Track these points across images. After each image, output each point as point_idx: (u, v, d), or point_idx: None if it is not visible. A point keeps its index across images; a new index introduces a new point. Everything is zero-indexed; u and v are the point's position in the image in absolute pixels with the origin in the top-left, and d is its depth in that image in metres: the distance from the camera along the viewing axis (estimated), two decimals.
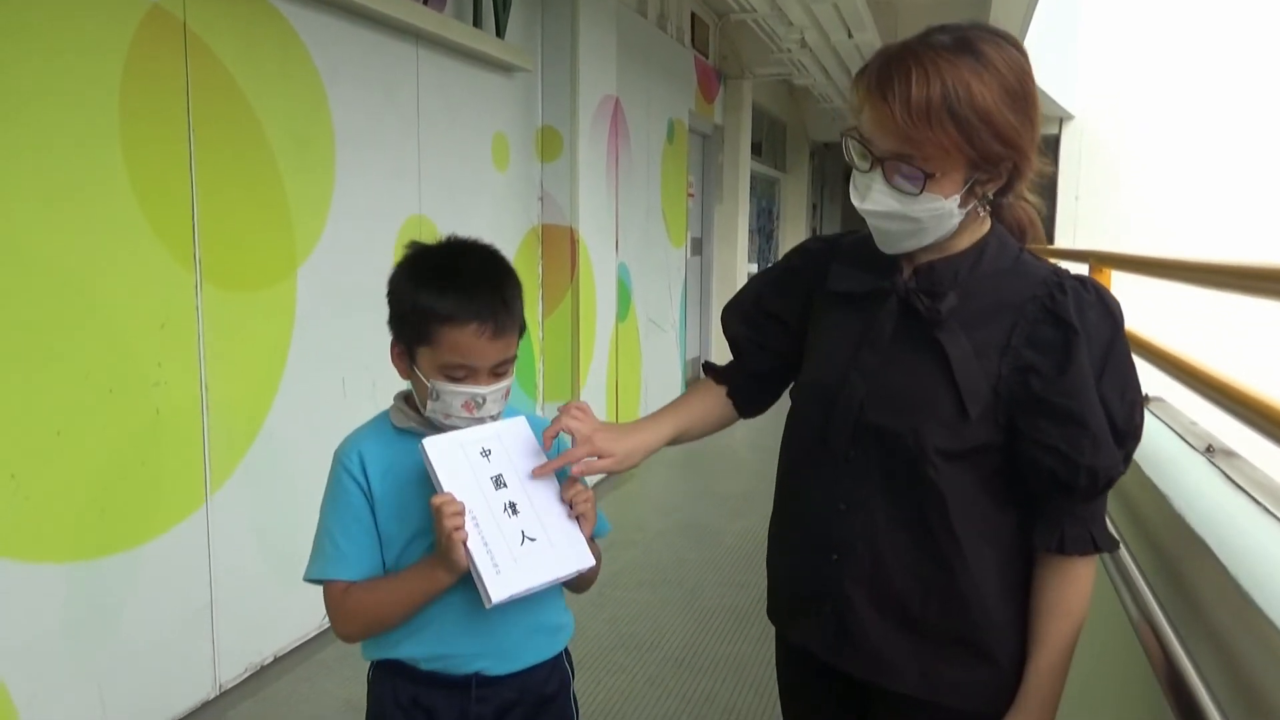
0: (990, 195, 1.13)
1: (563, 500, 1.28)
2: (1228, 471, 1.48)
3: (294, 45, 2.97)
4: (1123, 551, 1.32)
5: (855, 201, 1.14)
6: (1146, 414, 2.05)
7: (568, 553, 1.26)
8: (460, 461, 1.22)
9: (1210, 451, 1.62)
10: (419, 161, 3.69)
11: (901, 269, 1.19)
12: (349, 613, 1.28)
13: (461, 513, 1.19)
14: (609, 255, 5.31)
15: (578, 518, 1.28)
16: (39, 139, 2.15)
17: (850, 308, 1.23)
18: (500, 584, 1.19)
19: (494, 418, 1.29)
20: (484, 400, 1.26)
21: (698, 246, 8.21)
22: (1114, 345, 1.09)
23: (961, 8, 6.47)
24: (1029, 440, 1.09)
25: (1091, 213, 11.91)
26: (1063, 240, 11.63)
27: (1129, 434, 1.08)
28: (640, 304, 6.34)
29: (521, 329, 1.31)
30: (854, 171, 1.15)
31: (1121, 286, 2.59)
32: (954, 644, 1.16)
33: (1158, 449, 1.67)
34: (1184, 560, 1.27)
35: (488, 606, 1.20)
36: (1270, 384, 1.37)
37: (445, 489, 1.20)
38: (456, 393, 1.24)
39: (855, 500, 1.19)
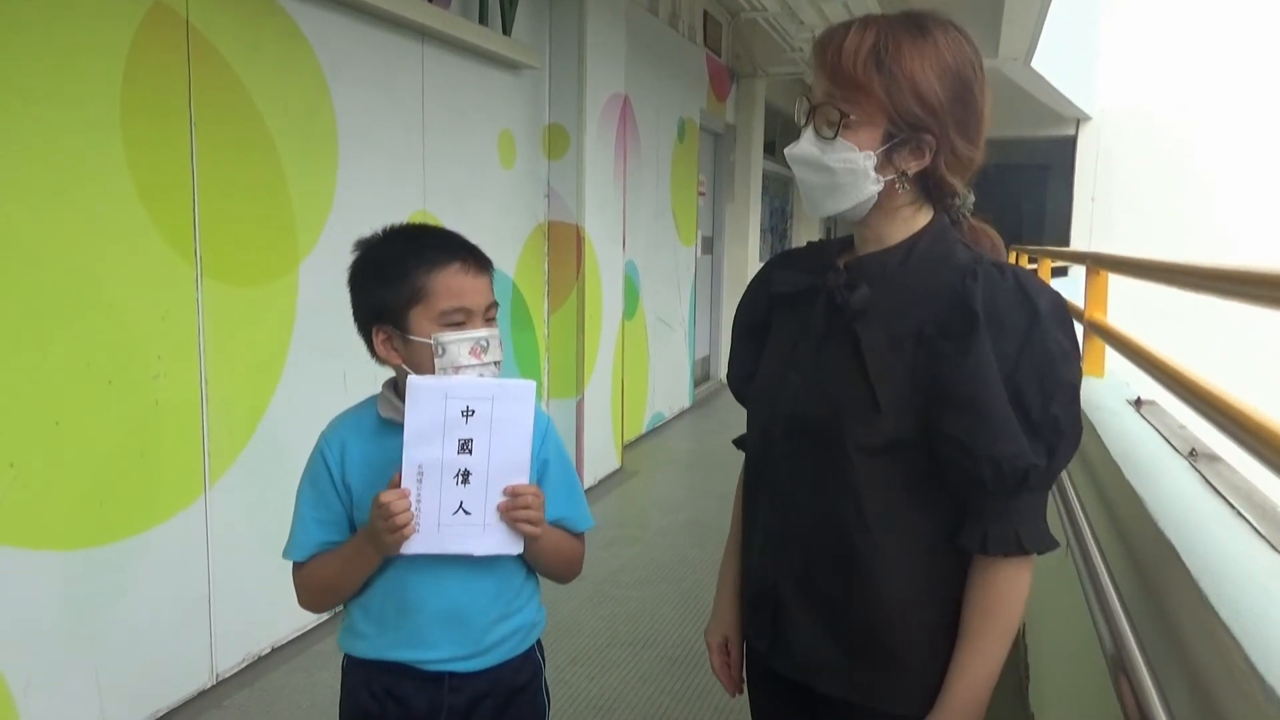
0: (909, 172, 1.12)
1: (505, 494, 1.27)
2: (1207, 475, 1.47)
3: (297, 41, 2.99)
4: (1093, 550, 1.32)
5: (785, 152, 1.19)
6: (1137, 416, 2.05)
7: (497, 536, 1.28)
8: (436, 414, 1.22)
9: (1193, 455, 1.62)
10: (423, 158, 3.71)
11: (836, 266, 1.20)
12: (304, 588, 1.38)
13: (408, 509, 1.22)
14: (616, 253, 5.32)
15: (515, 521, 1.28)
16: (42, 134, 2.18)
17: (791, 309, 1.24)
18: (410, 543, 1.25)
19: (498, 364, 1.32)
20: (487, 344, 1.30)
21: (709, 245, 8.21)
22: (1033, 333, 1.04)
23: (973, 7, 6.44)
24: (935, 432, 1.08)
25: (1108, 215, 11.82)
26: (1078, 243, 11.55)
27: (1046, 426, 1.04)
28: (648, 302, 6.34)
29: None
30: None
31: (1122, 289, 2.58)
32: (878, 647, 1.14)
33: (1141, 452, 1.67)
34: (1151, 562, 1.27)
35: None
36: (1268, 391, 1.35)
37: (409, 437, 1.22)
38: (461, 339, 1.27)
39: (788, 497, 1.19)
